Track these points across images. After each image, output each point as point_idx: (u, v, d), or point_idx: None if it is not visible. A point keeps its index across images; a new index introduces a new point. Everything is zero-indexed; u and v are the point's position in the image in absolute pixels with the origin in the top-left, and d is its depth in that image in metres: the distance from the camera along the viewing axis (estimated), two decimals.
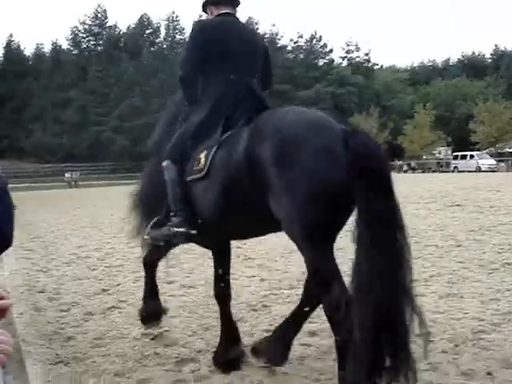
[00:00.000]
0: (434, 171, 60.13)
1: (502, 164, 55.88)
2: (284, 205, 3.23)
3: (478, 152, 59.93)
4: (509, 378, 3.69)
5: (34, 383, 3.93)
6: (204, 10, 4.58)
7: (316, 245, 3.35)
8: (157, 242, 4.55)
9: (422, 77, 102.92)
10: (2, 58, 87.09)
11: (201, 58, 4.16)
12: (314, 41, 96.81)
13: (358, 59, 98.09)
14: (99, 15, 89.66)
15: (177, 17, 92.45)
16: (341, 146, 3.13)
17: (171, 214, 4.10)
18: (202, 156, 3.79)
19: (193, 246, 9.92)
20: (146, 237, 4.54)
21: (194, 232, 4.04)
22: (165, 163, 4.07)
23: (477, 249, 8.53)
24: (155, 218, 4.34)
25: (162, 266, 8.19)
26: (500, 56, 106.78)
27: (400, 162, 69.04)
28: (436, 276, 6.75)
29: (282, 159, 3.18)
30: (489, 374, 3.77)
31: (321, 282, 3.37)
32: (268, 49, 4.80)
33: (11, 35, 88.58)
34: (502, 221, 11.64)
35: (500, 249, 8.41)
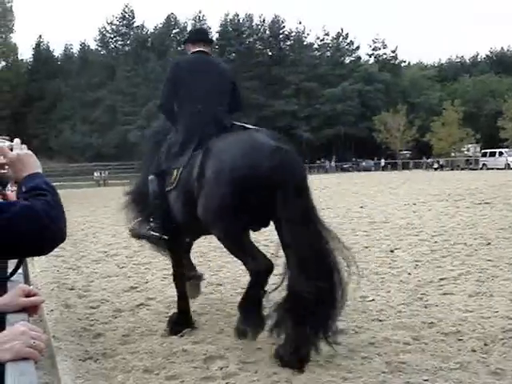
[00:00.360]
0: (462, 169, 59.42)
1: None
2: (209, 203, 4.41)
3: (507, 149, 59.06)
4: None
5: (65, 379, 3.98)
6: (184, 45, 5.60)
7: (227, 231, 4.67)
8: (136, 237, 5.79)
9: (449, 73, 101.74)
10: (31, 59, 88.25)
11: (175, 91, 5.06)
12: (341, 38, 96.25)
13: (384, 56, 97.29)
14: (127, 15, 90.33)
15: (203, 16, 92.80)
16: (262, 164, 4.14)
17: (151, 218, 5.14)
18: (175, 172, 4.81)
19: (220, 244, 9.96)
20: (129, 229, 5.72)
21: (165, 237, 5.04)
22: (150, 177, 5.09)
23: (506, 247, 8.43)
24: (139, 218, 5.45)
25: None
26: None
27: (429, 160, 68.50)
28: (465, 274, 6.69)
29: (217, 174, 4.29)
30: None
31: (235, 255, 4.89)
32: (235, 79, 5.72)
33: (40, 36, 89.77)
34: None
35: None
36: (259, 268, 4.59)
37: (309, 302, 3.91)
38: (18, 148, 1.88)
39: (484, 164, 57.03)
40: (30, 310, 1.64)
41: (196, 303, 5.90)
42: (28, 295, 1.65)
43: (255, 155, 4.21)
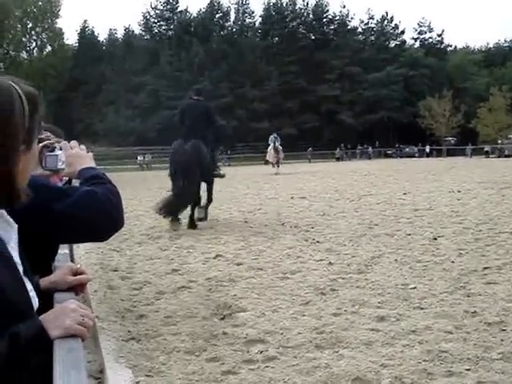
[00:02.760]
0: (508, 156, 58.11)
1: None
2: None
3: None
4: None
5: (107, 358, 4.06)
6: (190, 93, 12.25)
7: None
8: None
9: (497, 58, 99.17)
10: (76, 44, 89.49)
11: (182, 116, 11.50)
12: (385, 22, 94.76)
13: (430, 40, 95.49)
14: (170, 0, 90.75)
15: (246, 0, 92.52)
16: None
17: None
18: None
19: (263, 229, 10.04)
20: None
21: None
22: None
23: None
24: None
25: (231, 248, 8.34)
26: None
27: (473, 147, 67.13)
28: (510, 264, 6.56)
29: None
30: None
31: None
32: (209, 109, 11.64)
33: (85, 21, 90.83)
34: None
35: None
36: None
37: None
38: (67, 149, 1.99)
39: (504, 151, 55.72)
40: (78, 288, 1.68)
41: (237, 287, 5.95)
42: (76, 274, 1.69)
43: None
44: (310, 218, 11.63)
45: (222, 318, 4.94)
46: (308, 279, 6.17)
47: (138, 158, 61.29)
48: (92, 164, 1.96)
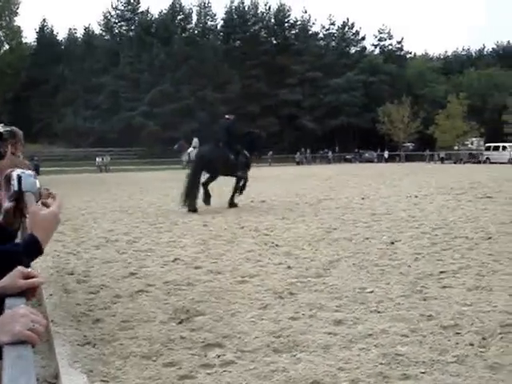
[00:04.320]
0: (465, 162, 59.36)
1: None
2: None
3: (511, 144, 58.99)
4: None
5: (62, 364, 3.99)
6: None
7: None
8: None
9: (455, 66, 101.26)
10: (35, 43, 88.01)
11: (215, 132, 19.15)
12: (346, 28, 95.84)
13: (390, 47, 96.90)
14: (132, 0, 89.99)
15: (208, 3, 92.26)
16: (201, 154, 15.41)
17: None
18: None
19: (222, 232, 10.02)
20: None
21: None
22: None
23: (507, 241, 8.42)
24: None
25: (189, 251, 8.30)
26: None
27: (431, 153, 68.35)
28: (465, 268, 6.68)
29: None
30: None
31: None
32: (230, 125, 15.29)
33: (44, 20, 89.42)
34: None
35: None
36: None
37: None
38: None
39: (487, 158, 57.00)
40: (29, 292, 1.63)
41: (195, 291, 5.91)
42: (27, 277, 1.63)
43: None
44: (270, 221, 11.66)
45: (180, 322, 4.90)
46: (267, 283, 6.18)
47: (97, 159, 60.44)
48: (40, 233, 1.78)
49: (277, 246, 8.65)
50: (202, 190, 14.52)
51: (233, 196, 15.02)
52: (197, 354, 4.15)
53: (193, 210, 13.86)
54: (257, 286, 6.05)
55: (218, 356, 4.08)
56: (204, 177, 14.86)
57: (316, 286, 5.98)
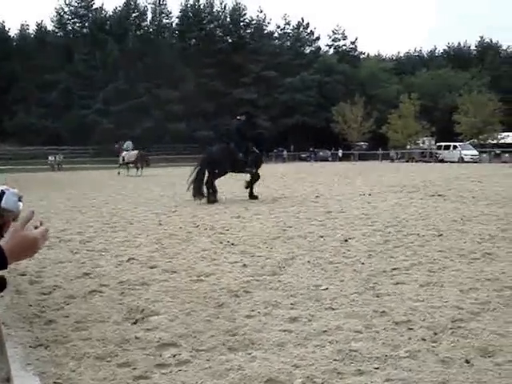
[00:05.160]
0: (417, 161, 60.51)
1: (485, 155, 56.53)
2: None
3: (461, 143, 60.41)
4: (486, 366, 3.73)
5: (14, 366, 3.91)
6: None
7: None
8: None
9: (407, 67, 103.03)
10: None
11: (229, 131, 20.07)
12: (301, 28, 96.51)
13: (344, 47, 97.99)
14: None
15: (163, 0, 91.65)
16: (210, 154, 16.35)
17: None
18: None
19: (177, 231, 9.97)
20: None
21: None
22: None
23: (457, 238, 8.61)
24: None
25: (144, 250, 8.23)
26: (485, 48, 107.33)
27: (384, 152, 69.41)
28: (417, 265, 6.81)
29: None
30: (467, 362, 3.81)
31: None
32: (240, 125, 16.63)
33: None
34: (483, 211, 11.76)
35: (480, 239, 8.50)
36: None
37: None
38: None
39: (437, 157, 58.19)
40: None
41: (150, 291, 5.87)
42: None
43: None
44: (225, 220, 11.66)
45: (135, 322, 4.86)
46: (222, 281, 6.18)
47: (49, 158, 59.37)
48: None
49: (232, 244, 8.65)
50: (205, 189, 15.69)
51: (251, 189, 16.40)
52: (152, 353, 4.12)
53: (213, 201, 15.44)
54: (212, 285, 6.04)
55: (174, 355, 4.06)
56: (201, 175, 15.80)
57: (271, 284, 6.01)
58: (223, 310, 5.12)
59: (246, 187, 16.47)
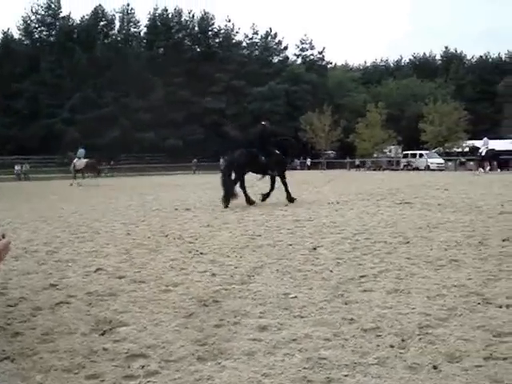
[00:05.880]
0: (384, 169, 61.17)
1: (450, 163, 57.40)
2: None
3: (427, 151, 61.28)
4: (454, 371, 3.78)
5: None
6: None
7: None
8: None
9: (374, 76, 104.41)
10: None
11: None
12: (269, 38, 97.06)
13: (312, 57, 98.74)
14: (52, 5, 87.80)
15: (131, 9, 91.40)
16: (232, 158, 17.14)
17: None
18: None
19: (145, 241, 9.89)
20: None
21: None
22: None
23: (424, 245, 8.71)
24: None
25: (112, 261, 8.16)
26: (449, 58, 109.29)
27: (351, 160, 70.00)
28: (384, 272, 6.87)
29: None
30: (434, 367, 3.85)
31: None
32: (263, 130, 17.67)
33: None
34: (449, 218, 11.92)
35: (447, 245, 8.60)
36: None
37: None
38: None
39: (405, 165, 58.91)
40: None
41: (118, 301, 5.82)
42: None
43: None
44: (194, 229, 11.62)
45: (103, 334, 4.80)
46: (191, 291, 6.15)
47: (16, 167, 58.52)
48: None
49: (201, 253, 8.62)
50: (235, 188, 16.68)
51: (288, 193, 17.25)
52: (120, 365, 4.08)
53: (250, 203, 16.60)
54: (181, 295, 6.01)
55: (142, 367, 4.02)
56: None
57: (240, 293, 6.00)
58: (192, 320, 5.10)
59: (262, 200, 17.13)
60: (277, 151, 17.31)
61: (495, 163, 40.45)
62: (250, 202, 16.62)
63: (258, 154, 16.95)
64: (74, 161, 38.25)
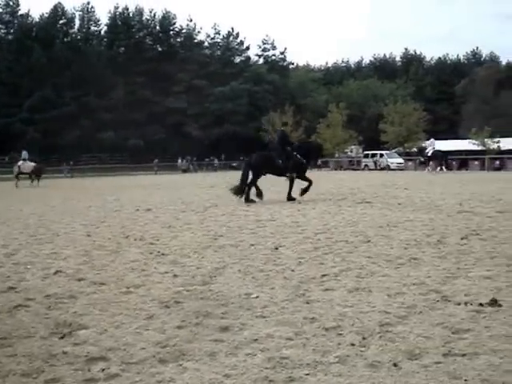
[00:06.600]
0: (345, 169, 61.70)
1: (410, 163, 58.15)
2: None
3: (387, 151, 62.03)
4: (413, 368, 3.83)
5: None
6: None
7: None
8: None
9: (335, 77, 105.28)
10: None
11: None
12: (231, 38, 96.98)
13: (273, 57, 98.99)
14: (11, 2, 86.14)
15: (92, 8, 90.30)
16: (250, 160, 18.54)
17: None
18: None
19: (106, 242, 9.78)
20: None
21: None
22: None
23: (384, 244, 8.82)
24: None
25: (72, 263, 8.04)
26: (409, 59, 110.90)
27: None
28: (346, 271, 6.93)
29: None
30: (395, 365, 3.89)
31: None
32: (282, 134, 19.24)
33: None
34: (409, 217, 12.09)
35: (406, 244, 8.72)
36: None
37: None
38: None
39: (366, 165, 59.51)
40: None
41: (78, 304, 5.73)
42: None
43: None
44: (156, 230, 11.54)
45: (62, 337, 4.73)
46: (152, 293, 6.10)
47: None
48: None
49: (163, 254, 8.56)
50: (253, 189, 17.67)
51: (289, 192, 17.75)
52: (80, 368, 4.02)
53: (249, 201, 17.21)
54: (142, 297, 5.96)
55: (103, 370, 3.97)
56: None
57: (202, 294, 5.98)
58: (153, 322, 5.06)
59: (301, 194, 17.70)
60: (297, 154, 17.87)
61: (442, 163, 41.33)
62: (248, 199, 17.37)
63: (274, 156, 18.06)
64: (19, 163, 37.88)
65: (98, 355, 4.25)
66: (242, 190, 17.59)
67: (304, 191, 17.79)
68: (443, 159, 41.81)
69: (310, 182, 18.02)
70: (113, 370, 3.95)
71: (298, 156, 17.89)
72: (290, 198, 17.53)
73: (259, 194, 17.62)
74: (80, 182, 37.05)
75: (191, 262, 7.90)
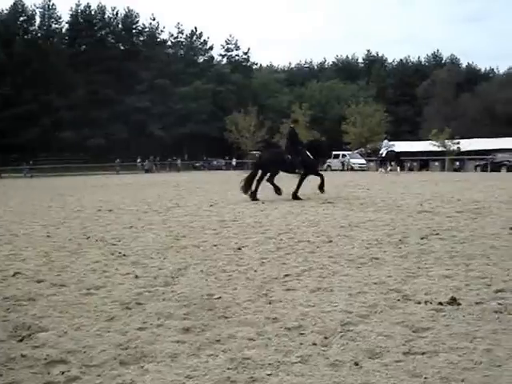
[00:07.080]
0: None
1: (372, 163, 58.84)
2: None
3: (349, 152, 62.63)
4: (374, 367, 3.87)
5: None
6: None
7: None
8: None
9: (298, 78, 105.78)
10: None
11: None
12: (195, 37, 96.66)
13: (237, 58, 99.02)
14: None
15: (53, 5, 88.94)
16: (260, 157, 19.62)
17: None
18: None
19: (66, 243, 9.64)
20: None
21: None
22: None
23: (346, 244, 8.90)
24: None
25: (31, 264, 7.90)
26: (372, 61, 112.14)
27: None
28: (308, 270, 6.96)
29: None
30: (356, 364, 3.93)
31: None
32: (291, 132, 19.14)
33: None
34: (371, 217, 12.22)
35: (368, 244, 8.82)
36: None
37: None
38: None
39: (328, 165, 59.94)
40: None
41: (37, 306, 5.64)
42: None
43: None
44: (117, 231, 11.42)
45: (21, 340, 4.64)
46: (113, 294, 6.04)
47: None
48: None
49: (124, 255, 8.48)
50: (270, 186, 18.27)
51: (296, 191, 17.96)
52: (39, 371, 3.96)
53: (253, 198, 17.45)
54: (103, 298, 5.89)
55: (62, 373, 3.91)
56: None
57: (164, 295, 5.94)
58: (114, 324, 5.01)
59: (321, 191, 18.54)
60: (307, 152, 18.20)
61: (395, 164, 42.10)
62: (252, 195, 17.70)
63: (283, 153, 18.45)
64: None
65: (57, 358, 4.18)
66: (247, 188, 17.75)
67: (321, 187, 18.48)
68: (396, 160, 42.49)
69: (322, 177, 18.64)
70: (73, 373, 3.90)
71: (308, 153, 18.22)
72: (295, 197, 17.65)
73: (277, 190, 18.04)
74: (40, 182, 36.42)
75: (153, 262, 7.84)
